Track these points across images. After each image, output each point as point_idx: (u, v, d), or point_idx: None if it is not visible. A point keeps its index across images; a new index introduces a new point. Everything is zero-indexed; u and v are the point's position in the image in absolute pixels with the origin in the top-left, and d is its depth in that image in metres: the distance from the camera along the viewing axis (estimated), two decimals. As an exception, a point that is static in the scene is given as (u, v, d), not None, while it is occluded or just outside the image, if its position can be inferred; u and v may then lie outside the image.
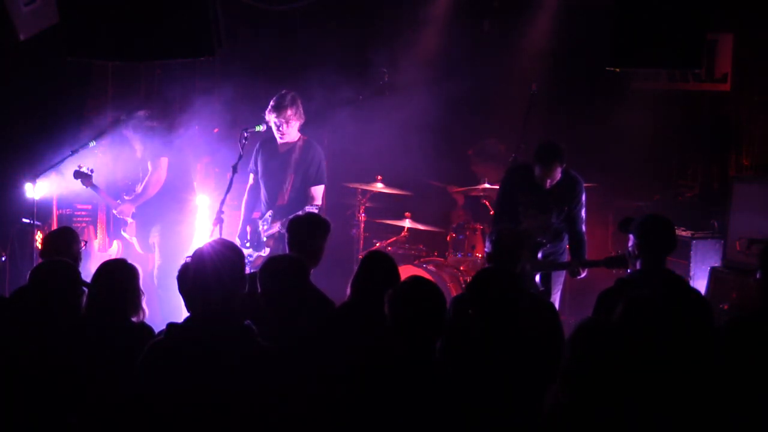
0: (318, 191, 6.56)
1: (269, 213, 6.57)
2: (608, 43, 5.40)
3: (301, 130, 6.63)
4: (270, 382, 3.41)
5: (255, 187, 6.74)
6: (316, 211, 6.29)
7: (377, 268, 4.43)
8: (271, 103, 6.47)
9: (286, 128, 6.48)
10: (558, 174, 6.08)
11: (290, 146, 6.57)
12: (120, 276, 4.14)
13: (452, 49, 8.47)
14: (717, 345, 3.81)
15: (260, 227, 6.58)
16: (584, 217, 6.28)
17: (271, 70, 8.51)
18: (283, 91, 6.52)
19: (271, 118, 6.47)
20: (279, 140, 6.55)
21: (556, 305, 6.25)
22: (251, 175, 6.74)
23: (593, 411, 3.04)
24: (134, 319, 4.16)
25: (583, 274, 6.02)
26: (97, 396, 3.70)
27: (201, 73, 8.57)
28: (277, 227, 6.43)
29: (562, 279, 6.37)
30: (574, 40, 7.93)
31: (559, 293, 6.39)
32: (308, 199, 6.50)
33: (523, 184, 6.23)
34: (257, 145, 6.72)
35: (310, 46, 8.58)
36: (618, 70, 5.73)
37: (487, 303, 3.84)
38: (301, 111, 6.53)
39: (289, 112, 6.43)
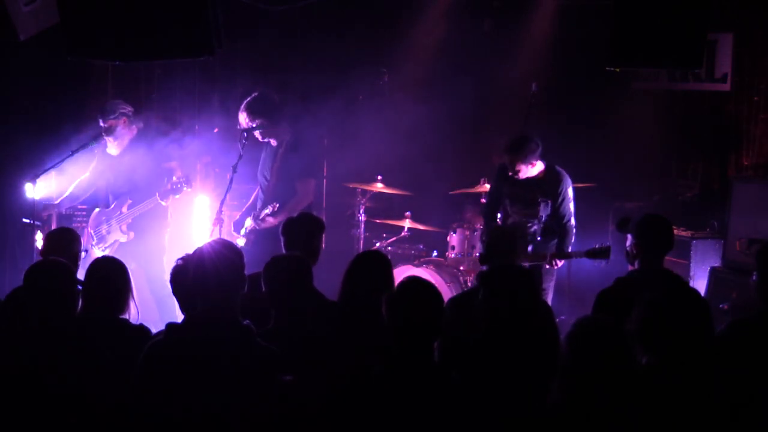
0: (304, 186, 6.42)
1: (259, 205, 6.58)
2: (608, 43, 5.40)
3: (293, 126, 6.61)
4: (270, 383, 3.41)
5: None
6: (301, 207, 6.29)
7: (369, 268, 4.42)
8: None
9: (257, 133, 6.45)
10: (530, 166, 6.26)
11: (280, 140, 6.52)
12: (113, 273, 4.13)
13: (452, 48, 8.48)
14: (717, 348, 3.80)
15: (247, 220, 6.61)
16: (572, 211, 6.37)
17: (271, 70, 8.51)
18: (254, 94, 6.51)
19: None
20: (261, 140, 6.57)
21: (548, 302, 6.29)
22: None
23: (591, 409, 3.04)
24: (126, 317, 4.15)
25: (558, 265, 6.13)
26: (97, 396, 3.70)
27: (201, 73, 8.57)
28: (252, 224, 6.44)
29: (554, 278, 6.40)
30: (574, 39, 7.94)
31: (551, 292, 6.40)
32: (293, 193, 6.39)
33: (510, 177, 6.39)
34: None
35: (310, 45, 8.58)
36: (618, 70, 5.73)
37: (504, 301, 3.82)
38: (263, 112, 6.40)
39: (243, 116, 6.41)
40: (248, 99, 6.50)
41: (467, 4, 8.53)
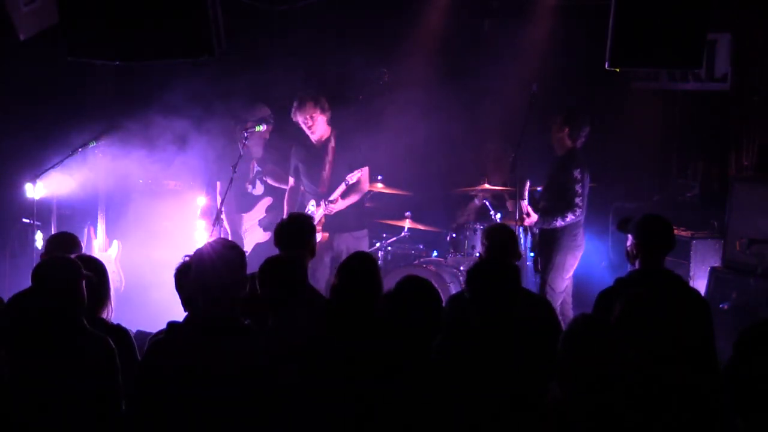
0: (363, 174, 6.72)
1: (312, 202, 6.71)
2: (608, 43, 5.40)
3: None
4: (270, 382, 3.41)
5: (295, 189, 6.95)
6: (363, 192, 6.73)
7: (355, 269, 4.41)
8: (294, 105, 6.71)
9: (313, 125, 6.68)
10: (560, 137, 6.64)
11: (325, 138, 6.76)
12: (94, 272, 4.11)
13: (452, 48, 8.47)
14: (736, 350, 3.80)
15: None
16: (578, 190, 6.46)
17: (270, 70, 8.50)
18: (300, 93, 6.76)
19: (298, 119, 6.69)
20: (312, 138, 6.73)
21: (558, 285, 6.40)
22: (291, 178, 6.97)
23: (589, 407, 3.04)
24: (105, 317, 4.15)
25: (528, 220, 6.38)
26: (97, 395, 3.70)
27: (200, 73, 8.56)
28: (322, 213, 6.60)
29: (565, 261, 6.45)
30: (574, 39, 7.93)
31: (561, 274, 6.45)
32: (354, 184, 6.66)
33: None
34: (292, 149, 6.95)
35: (310, 46, 8.58)
36: (618, 70, 5.73)
37: (485, 295, 3.83)
38: (323, 105, 6.72)
39: (311, 105, 6.67)
40: (311, 92, 6.77)
41: (467, 4, 8.53)
